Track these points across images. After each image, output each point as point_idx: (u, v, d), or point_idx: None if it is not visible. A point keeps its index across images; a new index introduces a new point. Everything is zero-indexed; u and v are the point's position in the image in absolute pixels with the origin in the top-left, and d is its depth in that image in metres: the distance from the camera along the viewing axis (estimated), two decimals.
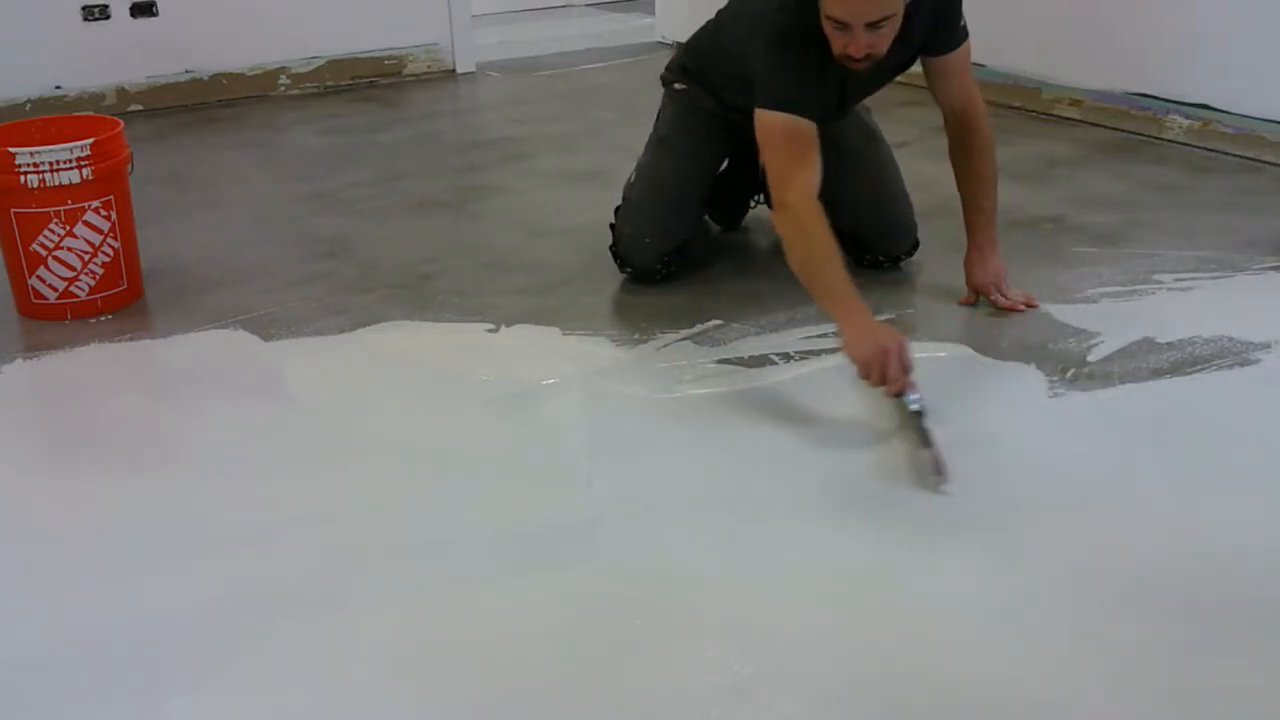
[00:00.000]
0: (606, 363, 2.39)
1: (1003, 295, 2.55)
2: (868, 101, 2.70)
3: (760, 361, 2.37)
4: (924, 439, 1.98)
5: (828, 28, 2.20)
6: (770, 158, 2.27)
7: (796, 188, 2.20)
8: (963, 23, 2.46)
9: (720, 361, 2.37)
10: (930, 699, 1.48)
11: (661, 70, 2.86)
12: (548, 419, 2.19)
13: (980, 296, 2.57)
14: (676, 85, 2.79)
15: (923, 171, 3.49)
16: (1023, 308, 2.54)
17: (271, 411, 2.24)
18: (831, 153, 2.54)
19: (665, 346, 2.44)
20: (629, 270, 2.73)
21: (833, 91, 2.40)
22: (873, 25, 2.14)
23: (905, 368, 2.03)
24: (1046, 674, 1.52)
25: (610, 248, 2.76)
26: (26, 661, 1.58)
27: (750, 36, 2.37)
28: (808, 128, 2.24)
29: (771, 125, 2.25)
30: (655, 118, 2.82)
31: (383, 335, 2.54)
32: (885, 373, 2.01)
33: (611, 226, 2.76)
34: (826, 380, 2.30)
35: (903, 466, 1.97)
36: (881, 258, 2.75)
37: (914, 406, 2.02)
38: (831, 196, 2.59)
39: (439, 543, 1.82)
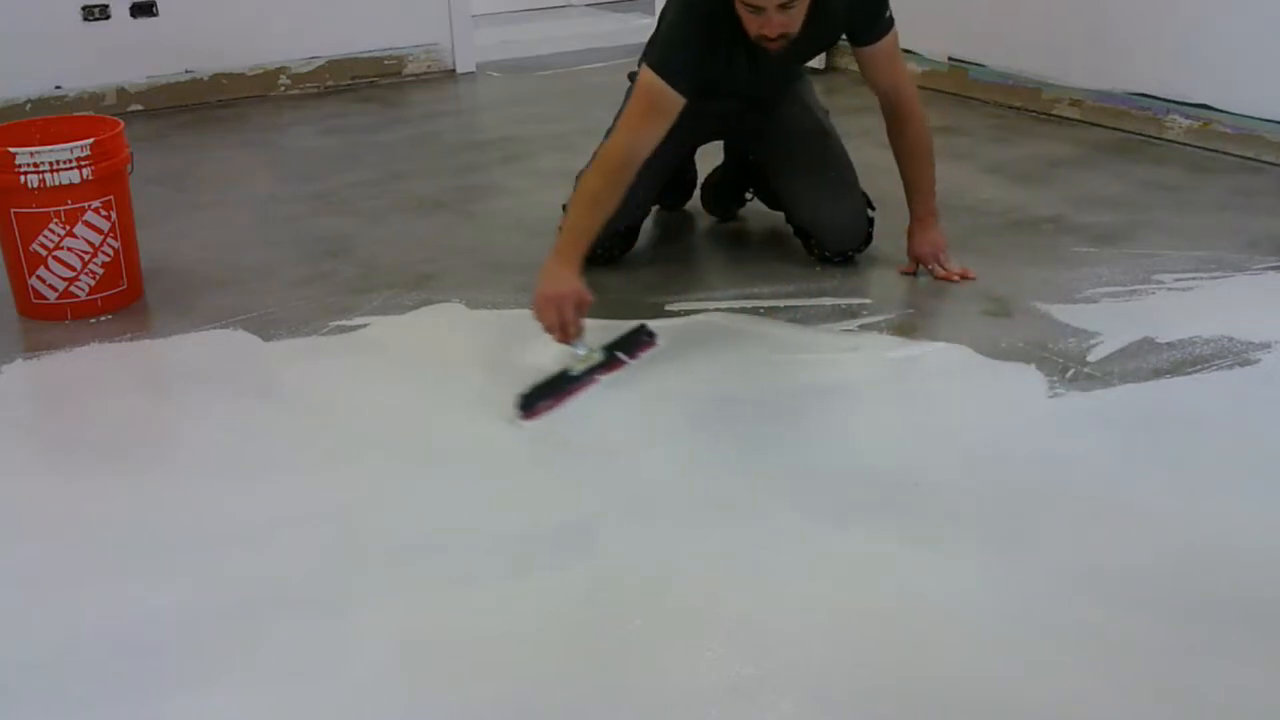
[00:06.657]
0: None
1: (941, 266, 2.69)
2: (842, 102, 2.72)
3: (760, 358, 2.37)
4: (558, 386, 2.21)
5: (742, 11, 2.31)
6: (626, 109, 2.44)
7: (617, 141, 2.40)
8: (888, 14, 2.55)
9: (720, 358, 2.37)
10: (930, 699, 1.48)
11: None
12: (547, 418, 2.18)
13: (920, 266, 2.72)
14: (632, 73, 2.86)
15: None
16: (958, 279, 2.67)
17: (271, 411, 2.24)
18: (784, 148, 2.74)
19: (665, 345, 2.44)
20: None
21: (741, 69, 2.49)
22: (783, 6, 2.26)
23: (574, 318, 2.25)
24: (1047, 673, 1.52)
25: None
26: (26, 661, 1.58)
27: (669, 5, 2.50)
28: (669, 99, 2.35)
29: (642, 81, 2.40)
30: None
31: (382, 335, 2.54)
32: (556, 318, 2.24)
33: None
34: (828, 380, 2.30)
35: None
36: (828, 253, 2.78)
37: (580, 351, 2.27)
38: (786, 192, 2.77)
39: (439, 543, 1.82)
